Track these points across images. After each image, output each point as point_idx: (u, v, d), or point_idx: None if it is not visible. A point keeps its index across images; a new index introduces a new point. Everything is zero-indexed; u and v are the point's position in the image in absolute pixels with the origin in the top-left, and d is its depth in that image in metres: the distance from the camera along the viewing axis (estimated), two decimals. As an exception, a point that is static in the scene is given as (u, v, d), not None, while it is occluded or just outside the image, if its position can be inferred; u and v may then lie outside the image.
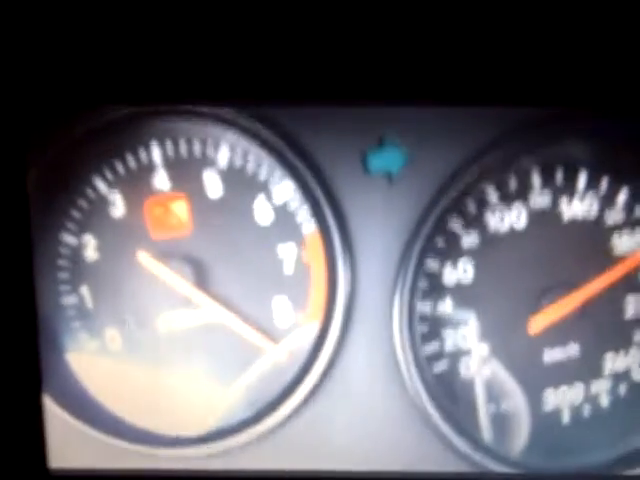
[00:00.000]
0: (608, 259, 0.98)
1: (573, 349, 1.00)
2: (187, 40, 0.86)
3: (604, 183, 0.98)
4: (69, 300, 1.03)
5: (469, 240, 0.98)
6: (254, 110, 0.93)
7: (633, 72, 0.86)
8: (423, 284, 0.98)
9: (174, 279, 0.99)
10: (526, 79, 0.87)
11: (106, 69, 0.88)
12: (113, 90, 0.90)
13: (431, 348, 1.00)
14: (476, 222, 0.98)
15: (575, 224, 0.98)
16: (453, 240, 0.98)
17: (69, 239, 1.01)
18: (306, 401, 0.98)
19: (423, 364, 0.98)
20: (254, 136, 0.94)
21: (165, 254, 0.99)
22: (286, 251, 0.99)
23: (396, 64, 0.87)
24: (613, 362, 1.01)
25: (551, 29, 0.84)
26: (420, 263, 0.95)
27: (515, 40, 0.85)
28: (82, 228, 1.01)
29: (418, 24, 0.84)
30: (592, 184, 0.97)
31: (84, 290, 1.02)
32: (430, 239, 0.95)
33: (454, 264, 0.99)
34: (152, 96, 0.91)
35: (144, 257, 0.99)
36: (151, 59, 0.87)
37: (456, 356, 1.01)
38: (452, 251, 0.98)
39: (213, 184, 0.98)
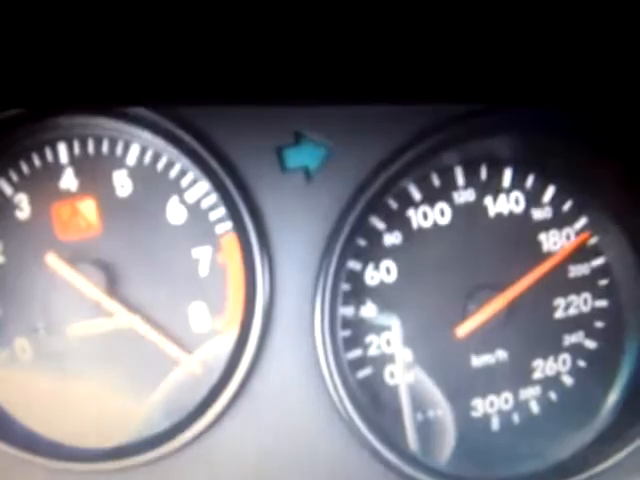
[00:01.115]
0: (536, 259, 0.96)
1: (501, 355, 0.97)
2: (98, 40, 0.82)
3: (530, 181, 0.95)
4: (-24, 308, 0.98)
5: (391, 239, 0.95)
6: (167, 109, 0.90)
7: (556, 69, 0.83)
8: (345, 286, 0.95)
9: (84, 284, 0.94)
10: (448, 75, 0.84)
11: (8, 69, 0.84)
12: (19, 92, 0.86)
13: (354, 354, 0.96)
14: (398, 220, 0.95)
15: (501, 223, 0.95)
16: (375, 239, 0.95)
17: (-26, 243, 0.97)
18: (225, 412, 0.93)
19: (346, 371, 0.94)
20: (167, 135, 0.90)
21: (75, 258, 0.95)
22: (201, 252, 0.95)
23: (311, 61, 0.83)
24: (542, 368, 0.97)
25: (472, 25, 0.81)
26: (341, 264, 0.91)
27: (436, 35, 0.82)
28: (-13, 232, 0.96)
29: (333, 21, 0.81)
30: (518, 182, 0.95)
31: (-9, 297, 0.98)
32: (351, 238, 0.91)
33: (376, 265, 0.95)
34: (62, 97, 0.88)
35: (52, 260, 0.94)
36: (60, 60, 0.83)
37: (380, 362, 0.97)
38: (374, 251, 0.95)
39: (123, 183, 0.94)
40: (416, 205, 0.95)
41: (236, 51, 0.81)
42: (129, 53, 0.81)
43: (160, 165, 0.95)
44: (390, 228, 0.95)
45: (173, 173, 0.95)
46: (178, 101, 0.89)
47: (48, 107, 0.91)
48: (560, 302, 0.97)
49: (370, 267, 0.95)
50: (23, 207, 0.95)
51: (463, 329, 0.94)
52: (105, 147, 0.94)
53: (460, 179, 0.94)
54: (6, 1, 0.75)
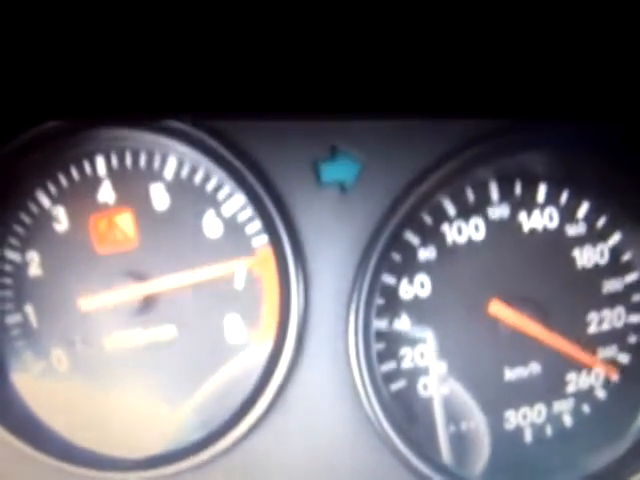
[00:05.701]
0: (570, 274, 0.96)
1: (535, 368, 0.97)
2: (136, 54, 0.82)
3: (564, 196, 0.96)
4: (13, 319, 0.99)
5: (426, 254, 0.95)
6: (204, 123, 0.91)
7: (589, 85, 0.84)
8: (379, 300, 0.95)
9: (121, 296, 0.95)
10: (482, 91, 0.85)
11: (47, 81, 0.85)
12: (57, 104, 0.86)
13: (388, 367, 0.97)
14: (433, 235, 0.95)
15: (535, 239, 0.96)
16: (409, 254, 0.96)
17: (12, 256, 0.98)
18: (259, 423, 0.94)
19: (380, 383, 0.94)
20: (204, 149, 0.91)
21: (111, 271, 0.96)
22: (237, 265, 0.96)
23: (348, 76, 0.84)
24: (576, 382, 0.98)
25: (506, 42, 0.81)
26: (375, 278, 0.92)
27: (470, 52, 0.82)
28: (26, 244, 0.98)
29: (368, 37, 0.81)
30: (552, 197, 0.95)
31: (28, 308, 0.99)
32: (385, 253, 0.91)
33: (410, 279, 0.96)
34: (100, 109, 0.88)
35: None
36: (99, 73, 0.84)
37: (414, 375, 0.98)
38: (408, 265, 0.96)
39: (160, 196, 0.95)
40: (451, 220, 0.95)
41: (274, 66, 0.82)
42: (167, 67, 0.81)
43: (197, 178, 0.95)
44: (425, 243, 0.95)
45: (210, 186, 0.95)
46: (215, 114, 0.89)
47: (86, 120, 0.92)
48: (594, 317, 0.97)
49: (404, 281, 0.96)
50: (61, 219, 0.97)
51: (495, 308, 0.95)
52: (142, 160, 0.95)
53: (494, 194, 0.95)
54: (47, 16, 0.76)
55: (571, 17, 0.75)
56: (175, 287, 0.96)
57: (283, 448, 0.95)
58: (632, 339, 0.99)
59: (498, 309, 0.94)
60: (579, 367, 0.98)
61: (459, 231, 0.95)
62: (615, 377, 0.99)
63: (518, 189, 0.95)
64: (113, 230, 0.96)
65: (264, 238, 0.94)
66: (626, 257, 0.98)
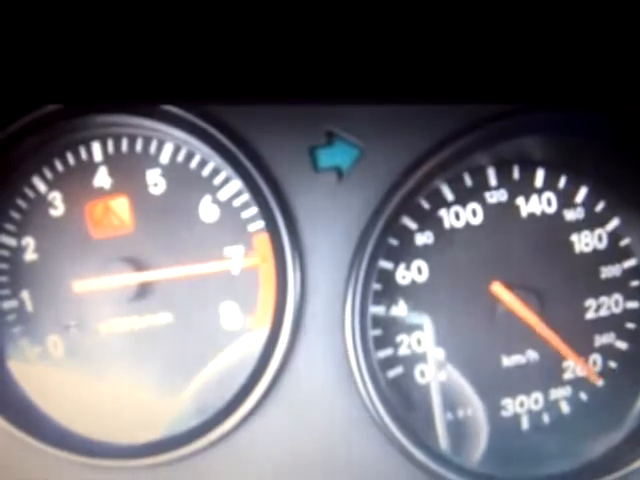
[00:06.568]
0: (568, 259, 0.96)
1: (532, 356, 0.97)
2: (131, 38, 0.82)
3: (562, 181, 0.95)
4: (9, 304, 0.99)
5: (423, 239, 0.95)
6: (200, 108, 0.90)
7: (587, 70, 0.83)
8: (376, 286, 0.95)
9: (116, 282, 0.95)
10: (479, 76, 0.84)
11: (44, 66, 0.84)
12: (53, 89, 0.86)
13: (385, 353, 0.97)
14: (430, 220, 0.95)
15: (533, 224, 0.95)
16: (406, 239, 0.95)
17: (8, 241, 0.98)
18: (255, 410, 0.93)
19: (377, 370, 0.94)
20: (200, 134, 0.91)
21: (107, 256, 0.96)
22: (233, 251, 0.96)
23: (345, 61, 0.83)
24: (573, 369, 0.98)
25: (504, 25, 0.81)
26: (372, 263, 0.91)
27: (468, 36, 0.82)
28: (21, 229, 0.97)
29: (366, 21, 0.81)
30: (550, 182, 0.95)
31: (24, 294, 0.98)
32: (382, 238, 0.91)
33: (408, 264, 0.96)
34: (96, 94, 0.88)
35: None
36: (95, 57, 0.84)
37: (411, 361, 0.97)
38: (406, 251, 0.95)
39: (156, 182, 0.95)
40: (448, 205, 0.95)
41: (270, 50, 0.81)
42: (163, 51, 0.81)
43: (193, 164, 0.95)
44: (422, 228, 0.95)
45: (206, 172, 0.95)
46: (211, 100, 0.89)
47: (83, 105, 0.92)
48: (591, 303, 0.97)
49: (402, 267, 0.96)
50: (57, 205, 0.96)
51: (496, 289, 0.94)
52: (139, 146, 0.95)
53: (492, 179, 0.95)
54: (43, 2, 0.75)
55: (570, 3, 0.75)
56: (170, 272, 0.95)
57: (280, 435, 0.94)
58: (630, 325, 0.98)
59: (498, 290, 0.94)
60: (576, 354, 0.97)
61: (457, 216, 0.95)
62: (599, 382, 0.99)
63: (516, 174, 0.95)
64: (109, 215, 0.96)
65: (260, 224, 0.94)
66: (624, 243, 0.97)
